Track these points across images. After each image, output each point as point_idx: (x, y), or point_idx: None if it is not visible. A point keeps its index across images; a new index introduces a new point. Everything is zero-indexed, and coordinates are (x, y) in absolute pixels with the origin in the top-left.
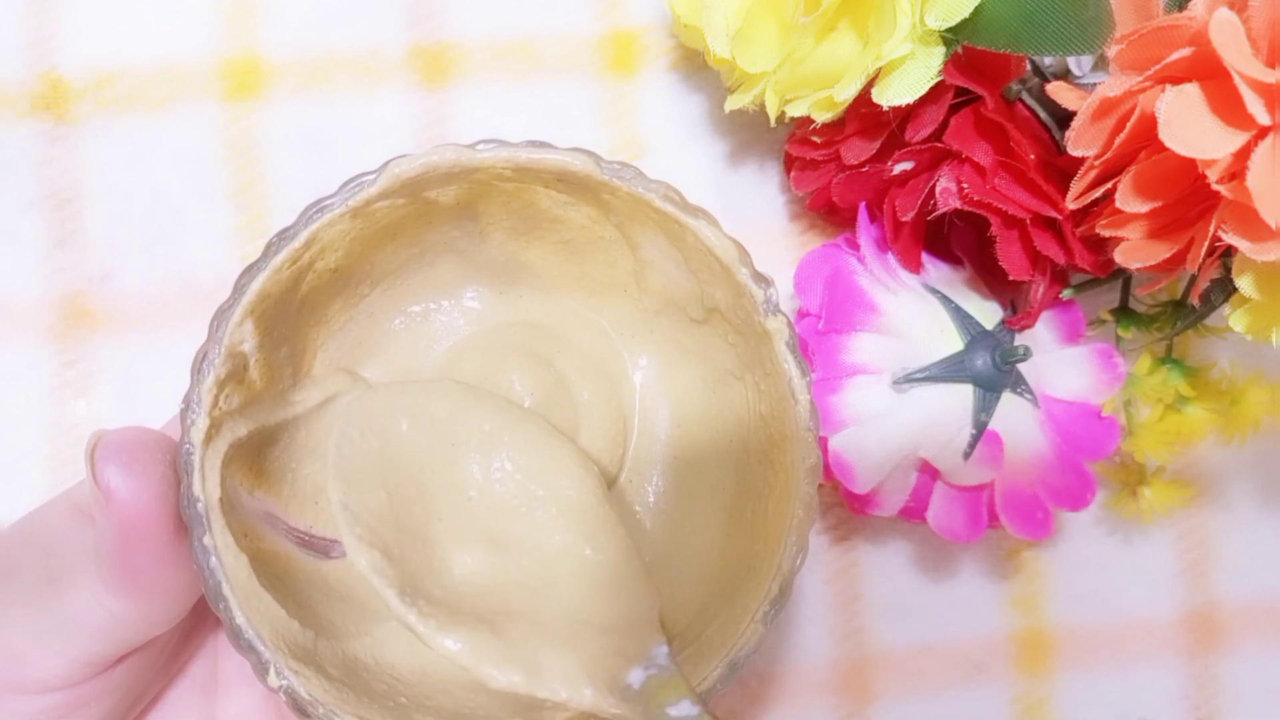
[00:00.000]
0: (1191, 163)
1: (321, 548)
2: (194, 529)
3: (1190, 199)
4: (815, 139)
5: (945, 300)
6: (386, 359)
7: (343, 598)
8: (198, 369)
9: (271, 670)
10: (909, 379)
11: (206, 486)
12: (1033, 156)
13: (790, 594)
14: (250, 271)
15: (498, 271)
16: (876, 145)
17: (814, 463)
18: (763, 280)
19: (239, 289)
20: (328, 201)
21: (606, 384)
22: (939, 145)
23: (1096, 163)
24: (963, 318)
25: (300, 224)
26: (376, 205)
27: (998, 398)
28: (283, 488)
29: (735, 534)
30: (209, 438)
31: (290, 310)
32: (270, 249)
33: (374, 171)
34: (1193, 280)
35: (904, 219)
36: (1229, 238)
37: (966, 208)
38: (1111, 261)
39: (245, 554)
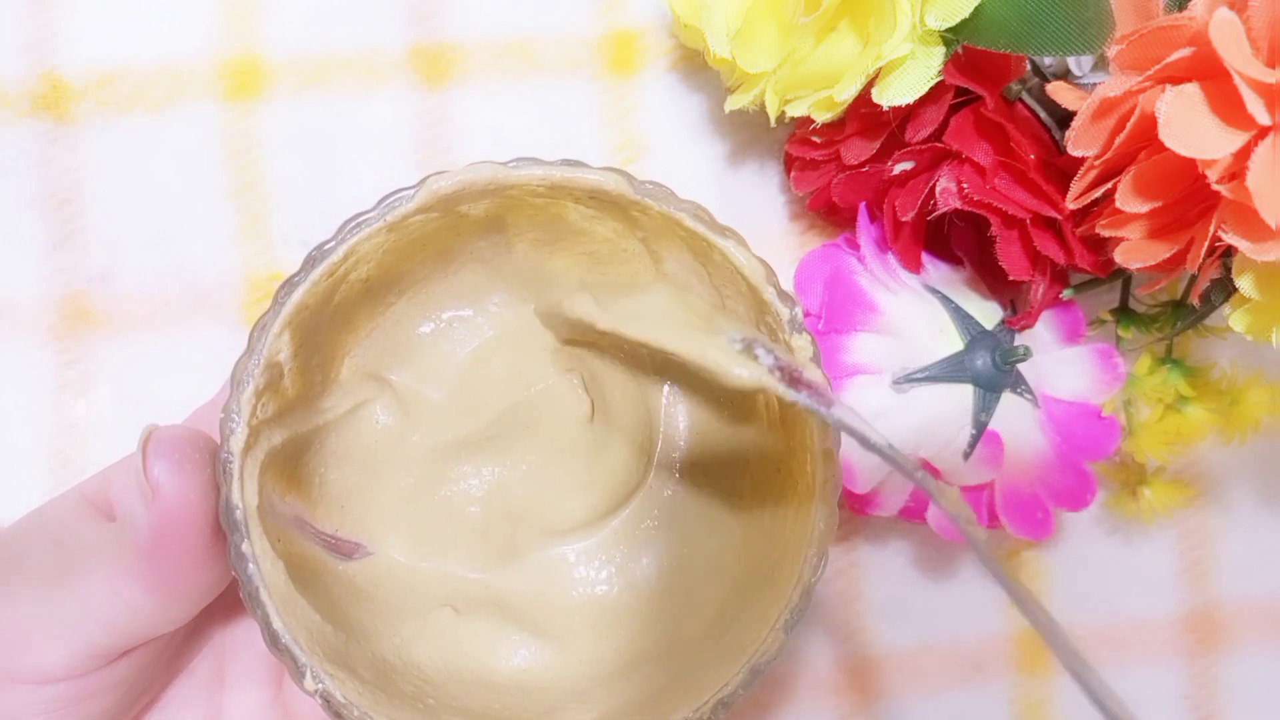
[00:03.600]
0: (1191, 163)
1: (347, 549)
2: (232, 535)
3: (1190, 199)
4: (815, 139)
5: (945, 300)
6: (413, 364)
7: (369, 598)
8: (238, 379)
9: (308, 674)
10: (909, 379)
11: (245, 494)
12: (1033, 156)
13: (810, 603)
14: (289, 285)
15: (522, 280)
16: (876, 145)
17: (835, 478)
18: (789, 299)
19: (278, 302)
20: (366, 216)
21: (635, 387)
22: (939, 145)
23: (1096, 163)
24: (963, 318)
25: (339, 238)
26: (412, 220)
27: (998, 398)
28: (311, 492)
29: (752, 539)
30: (248, 446)
31: (323, 319)
32: (309, 262)
33: (412, 187)
34: (1193, 280)
35: (904, 219)
36: (1229, 238)
37: (966, 208)
38: (1111, 261)
39: (281, 559)
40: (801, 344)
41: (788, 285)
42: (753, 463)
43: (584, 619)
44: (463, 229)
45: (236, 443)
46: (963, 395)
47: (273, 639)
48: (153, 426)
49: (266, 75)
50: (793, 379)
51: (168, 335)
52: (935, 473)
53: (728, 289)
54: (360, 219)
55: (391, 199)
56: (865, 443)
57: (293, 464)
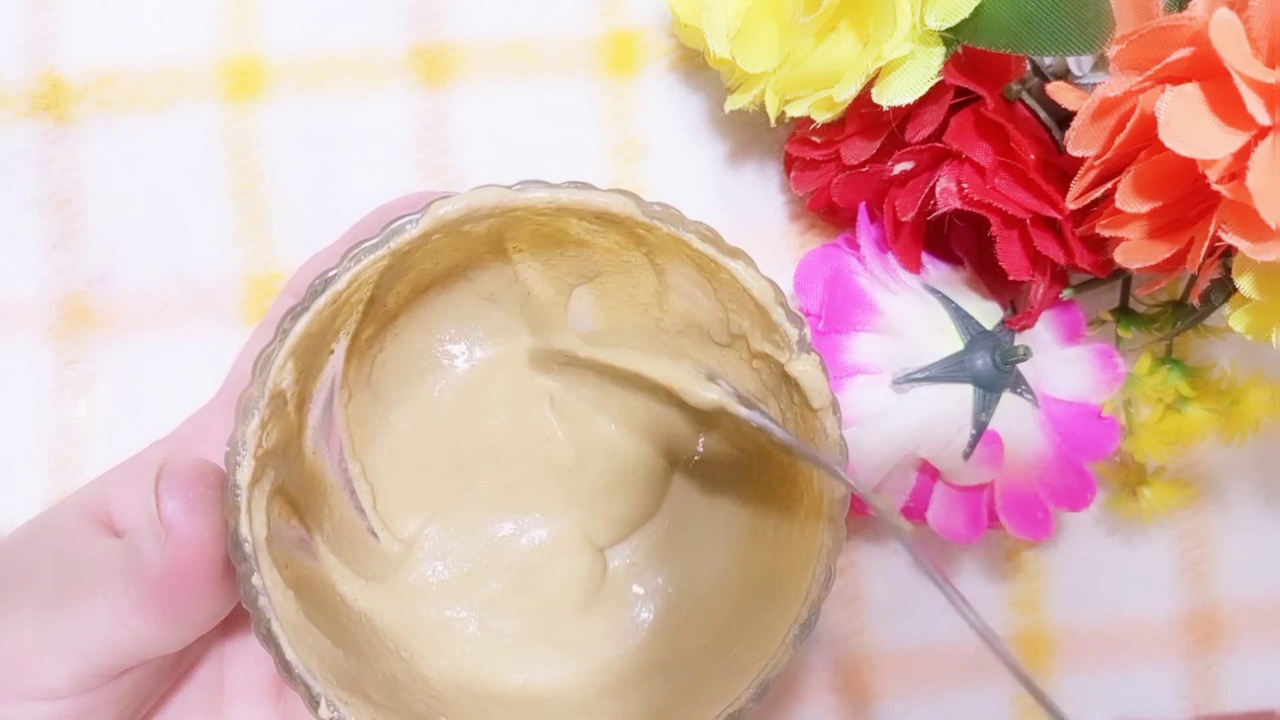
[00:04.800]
0: (1191, 163)
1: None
2: (242, 568)
3: (1190, 199)
4: (815, 139)
5: (945, 300)
6: (412, 380)
7: (386, 614)
8: (243, 410)
9: (323, 703)
10: (909, 379)
11: (254, 526)
12: (1033, 156)
13: (818, 618)
14: (293, 314)
15: (520, 291)
16: (876, 145)
17: (843, 494)
18: (797, 319)
19: (282, 332)
20: (369, 243)
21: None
22: (939, 145)
23: (1096, 163)
24: (963, 318)
25: (343, 267)
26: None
27: (998, 398)
28: (320, 515)
29: (757, 549)
30: (255, 479)
31: (325, 344)
32: (313, 291)
33: (417, 212)
34: (1193, 280)
35: (904, 219)
36: (1229, 238)
37: (966, 208)
38: (1111, 261)
39: (291, 588)
40: (809, 365)
41: (788, 286)
42: (758, 474)
43: (601, 627)
44: (463, 245)
45: (244, 475)
46: (963, 395)
47: (286, 670)
48: (165, 462)
49: (266, 75)
50: (746, 403)
51: (168, 335)
52: (935, 473)
53: (733, 305)
54: (363, 246)
55: (395, 224)
56: (815, 459)
57: (300, 487)
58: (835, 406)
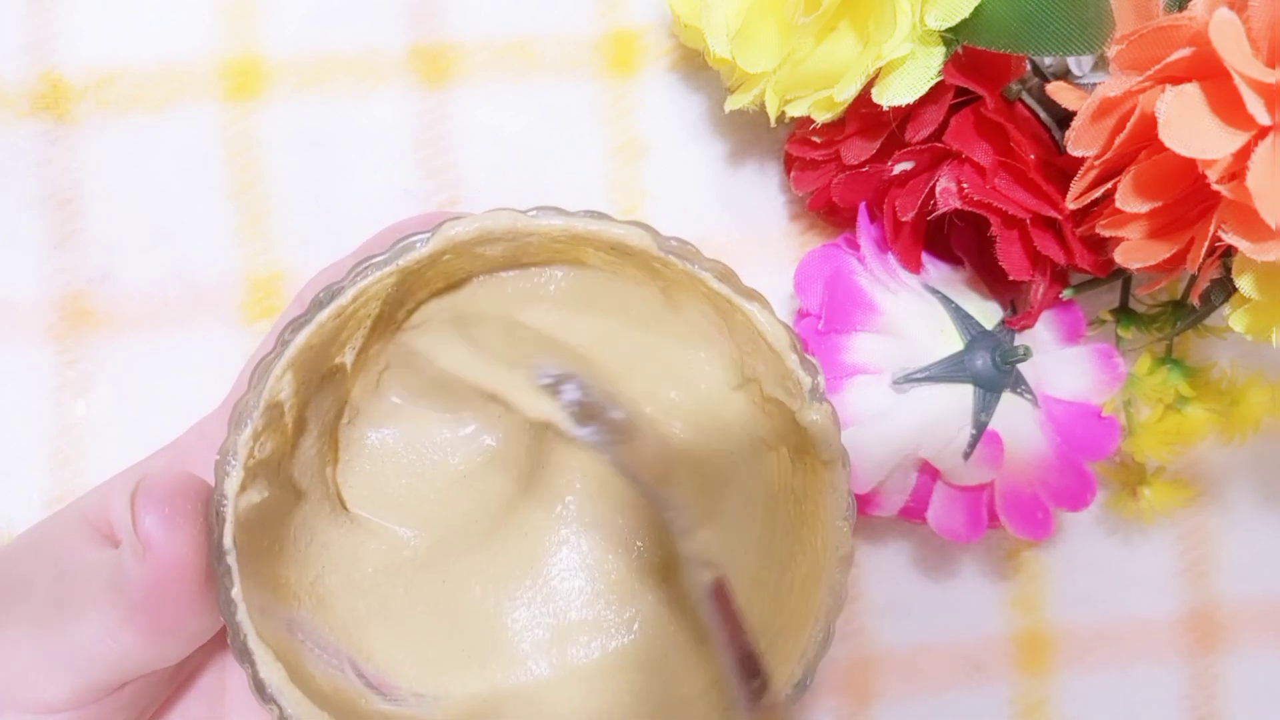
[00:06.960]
0: (1191, 163)
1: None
2: (222, 581)
3: (1190, 199)
4: (815, 139)
5: (945, 300)
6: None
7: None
8: (236, 420)
9: None
10: (909, 379)
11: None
12: (1033, 156)
13: (813, 681)
14: (294, 325)
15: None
16: (876, 145)
17: (846, 552)
18: (811, 367)
19: (282, 343)
20: (377, 259)
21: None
22: (939, 145)
23: (1096, 163)
24: (963, 318)
25: (348, 281)
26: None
27: (998, 398)
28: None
29: (756, 599)
30: (243, 489)
31: (327, 357)
32: (317, 304)
33: (427, 232)
34: (1193, 280)
35: (904, 219)
36: (1229, 238)
37: (966, 208)
38: (1111, 261)
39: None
40: (821, 416)
41: (788, 286)
42: (763, 523)
43: (598, 668)
44: (477, 268)
45: (231, 486)
46: (963, 395)
47: (259, 688)
48: (142, 477)
49: (266, 75)
50: (589, 417)
51: (168, 335)
52: (935, 473)
53: (748, 347)
54: (370, 262)
55: (405, 242)
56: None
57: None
58: (845, 460)
